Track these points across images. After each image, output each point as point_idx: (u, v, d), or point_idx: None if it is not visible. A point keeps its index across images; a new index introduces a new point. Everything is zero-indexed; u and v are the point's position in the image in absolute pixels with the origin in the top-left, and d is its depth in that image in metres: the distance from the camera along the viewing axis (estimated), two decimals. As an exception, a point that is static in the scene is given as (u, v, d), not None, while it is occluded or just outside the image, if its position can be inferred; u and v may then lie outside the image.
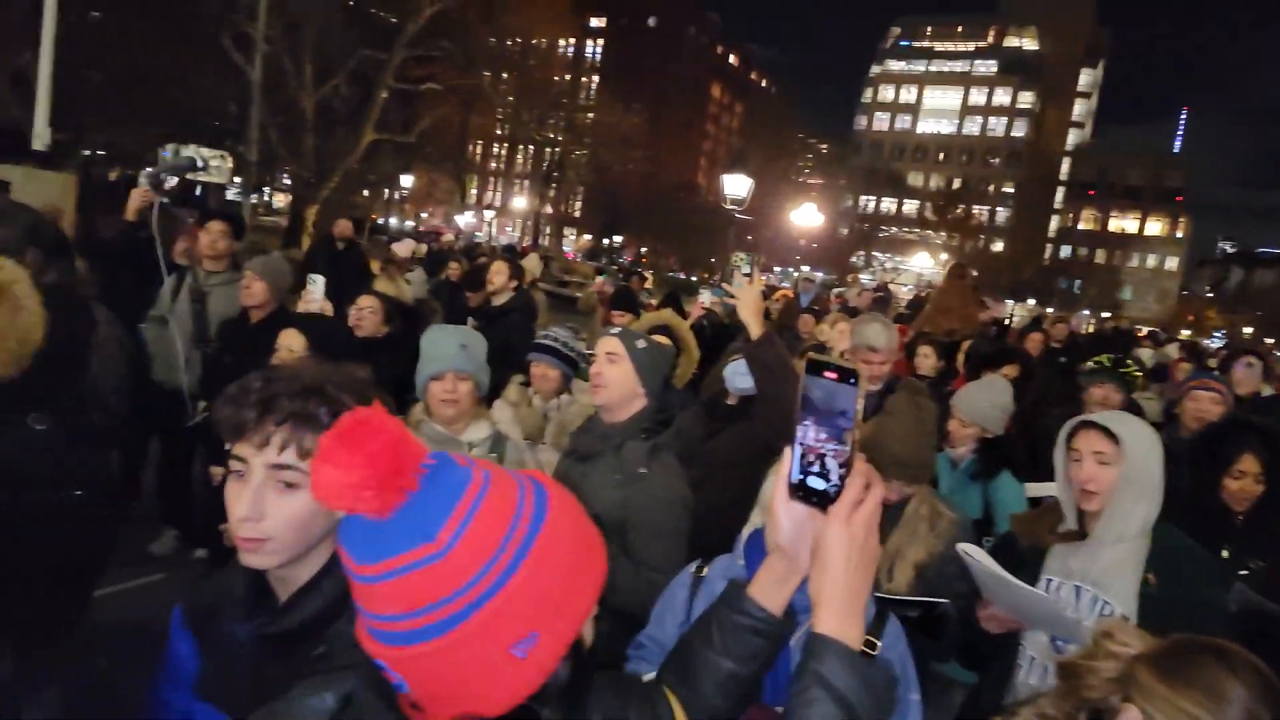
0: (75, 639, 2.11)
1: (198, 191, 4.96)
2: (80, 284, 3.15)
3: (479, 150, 63.62)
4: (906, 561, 2.60)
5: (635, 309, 6.11)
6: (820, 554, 0.95)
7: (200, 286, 4.37)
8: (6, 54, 19.76)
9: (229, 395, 1.23)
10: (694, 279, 43.07)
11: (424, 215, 59.47)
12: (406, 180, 33.06)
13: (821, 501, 0.95)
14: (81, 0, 16.58)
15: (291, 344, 2.73)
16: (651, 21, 73.81)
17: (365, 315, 4.07)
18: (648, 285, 12.69)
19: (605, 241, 58.84)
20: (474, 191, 65.77)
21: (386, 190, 42.30)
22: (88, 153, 23.69)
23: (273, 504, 1.19)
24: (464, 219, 53.18)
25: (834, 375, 0.93)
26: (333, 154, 24.04)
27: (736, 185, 14.91)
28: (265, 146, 17.64)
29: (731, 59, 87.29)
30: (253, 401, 1.20)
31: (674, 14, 74.49)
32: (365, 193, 36.94)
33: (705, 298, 7.07)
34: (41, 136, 13.80)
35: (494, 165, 71.59)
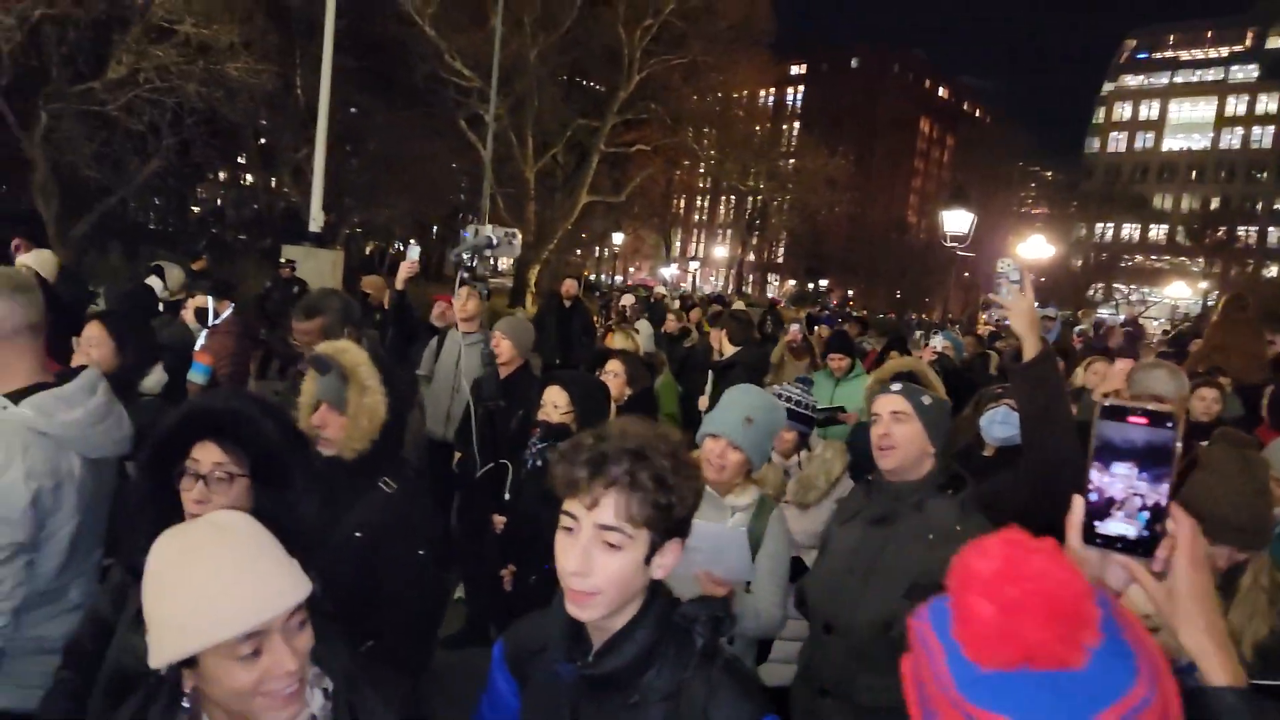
0: (421, 689, 2.24)
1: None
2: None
3: (682, 204, 65.48)
4: (1245, 643, 2.18)
5: (852, 353, 5.86)
6: (1185, 603, 0.90)
7: (460, 346, 4.73)
8: (289, 151, 23.21)
9: (563, 452, 1.30)
10: (912, 319, 41.16)
11: (631, 270, 61.96)
12: (617, 238, 34.59)
13: (1131, 548, 0.91)
14: (344, 97, 19.08)
15: (556, 400, 2.83)
16: (854, 63, 72.93)
17: (610, 380, 4.17)
18: (853, 329, 12.19)
19: (810, 286, 58.01)
20: (678, 244, 67.64)
21: (597, 248, 44.55)
22: (347, 230, 26.94)
23: (600, 561, 1.25)
24: (669, 271, 54.68)
25: (1143, 420, 0.89)
26: (551, 218, 25.71)
27: (957, 221, 14.09)
28: (494, 215, 19.21)
29: (941, 92, 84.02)
30: (583, 460, 1.25)
31: (877, 54, 73.20)
32: (578, 252, 39.11)
33: (937, 342, 6.63)
34: (316, 219, 15.92)
35: (697, 217, 73.31)
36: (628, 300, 9.49)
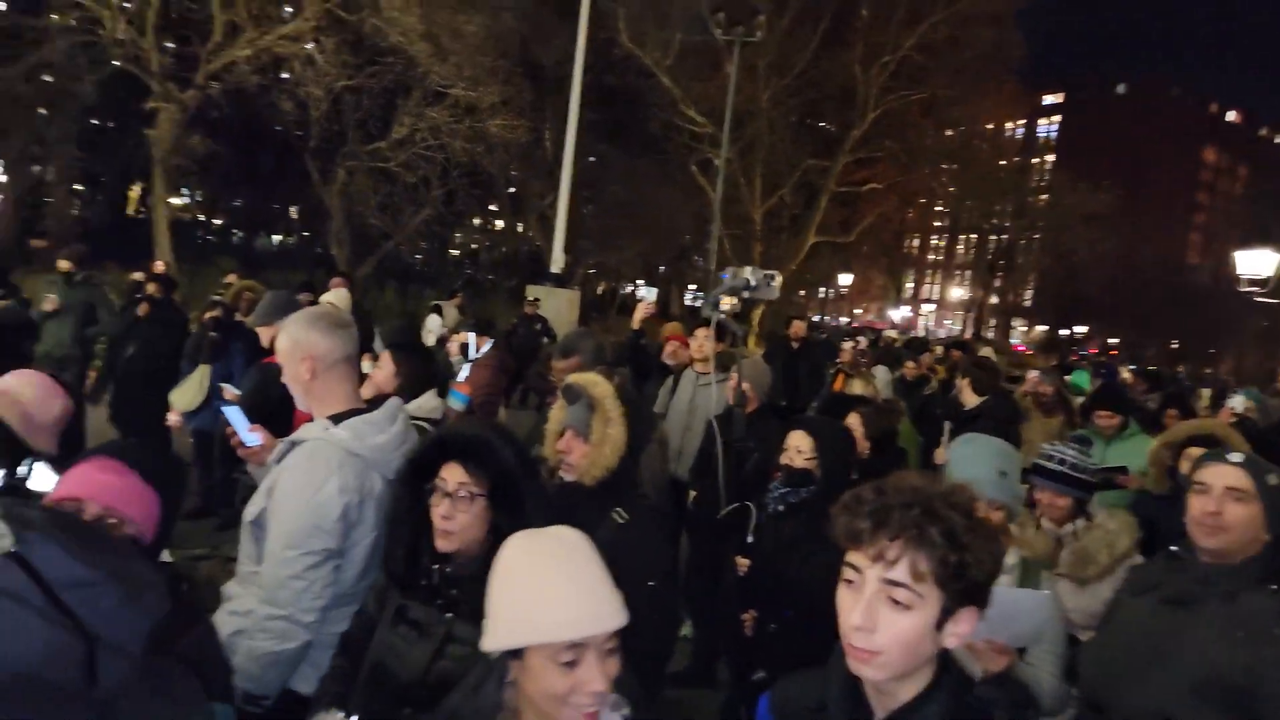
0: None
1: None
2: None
3: (915, 243, 62.71)
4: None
5: (1125, 409, 5.20)
6: None
7: (694, 386, 4.81)
8: (536, 198, 25.18)
9: (845, 503, 1.25)
10: (1181, 373, 36.25)
11: (857, 311, 60.16)
12: (844, 278, 33.79)
13: None
14: (585, 147, 20.42)
15: (800, 445, 2.78)
16: (1121, 89, 66.42)
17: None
18: (1135, 383, 10.79)
19: (1062, 332, 52.99)
20: (909, 285, 64.74)
21: (822, 289, 43.75)
22: (582, 271, 28.59)
23: (885, 619, 1.18)
24: (899, 313, 52.42)
25: None
26: (777, 258, 25.65)
27: (1255, 262, 12.23)
28: (720, 256, 19.55)
29: (1230, 116, 74.11)
30: (866, 512, 1.20)
31: (1150, 78, 66.17)
32: (801, 292, 38.65)
33: (1237, 402, 5.73)
34: (557, 261, 17.04)
35: (931, 257, 69.84)
36: (849, 345, 9.17)
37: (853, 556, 1.22)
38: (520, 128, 19.16)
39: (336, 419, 2.21)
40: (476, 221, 33.34)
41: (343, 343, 2.29)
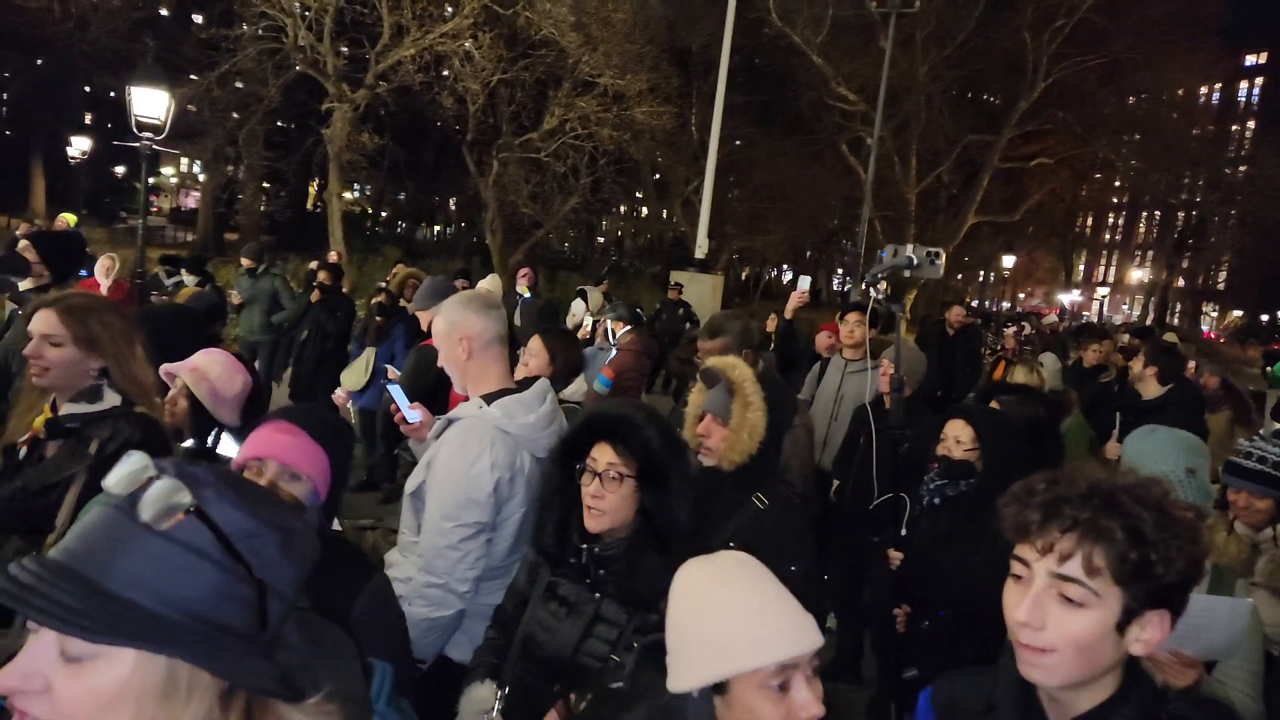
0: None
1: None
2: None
3: (1089, 222, 57.97)
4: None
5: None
6: None
7: (842, 373, 4.65)
8: (681, 184, 25.22)
9: (1014, 494, 1.16)
10: None
11: (1021, 295, 56.38)
12: (1007, 260, 31.76)
13: None
14: (731, 130, 20.24)
15: (959, 435, 2.62)
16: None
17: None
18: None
19: (1265, 318, 47.47)
20: (1081, 267, 59.99)
21: (981, 272, 41.32)
22: (726, 256, 28.40)
23: (1054, 616, 1.09)
24: (1069, 297, 48.70)
25: None
26: (933, 240, 24.43)
27: None
28: (870, 238, 18.83)
29: None
30: (1037, 503, 1.11)
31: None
32: (958, 276, 36.66)
33: None
34: (702, 247, 17.00)
35: (1107, 236, 64.32)
36: (1010, 330, 8.53)
37: (1021, 550, 1.13)
38: (666, 114, 19.22)
39: (489, 398, 2.29)
40: (622, 209, 33.86)
41: (495, 324, 2.37)
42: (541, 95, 19.25)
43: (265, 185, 25.19)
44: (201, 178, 28.80)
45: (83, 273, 7.78)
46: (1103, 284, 53.74)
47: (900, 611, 2.66)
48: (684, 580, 1.31)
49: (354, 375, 6.29)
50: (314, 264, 8.57)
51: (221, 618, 0.79)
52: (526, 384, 2.41)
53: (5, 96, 31.70)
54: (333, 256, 11.06)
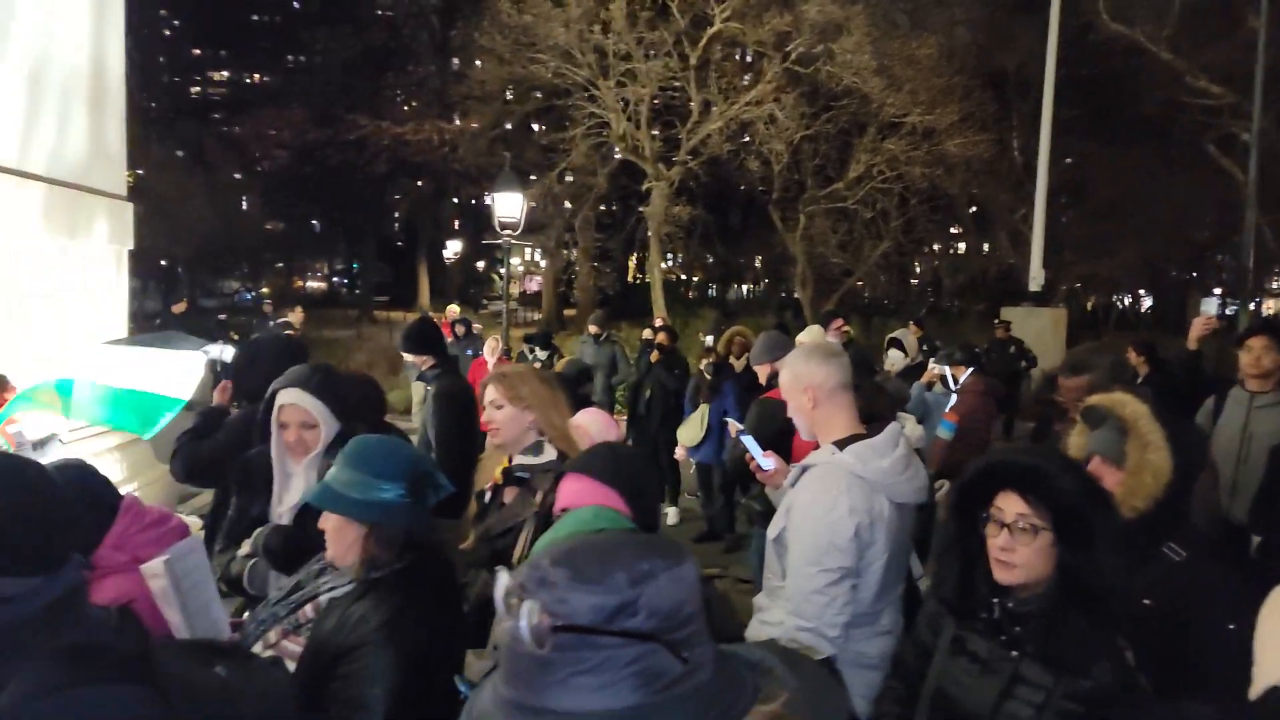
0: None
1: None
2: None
3: None
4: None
5: None
6: None
7: (1247, 408, 3.94)
8: (1005, 213, 23.38)
9: None
10: None
11: None
12: None
13: None
14: (1060, 148, 18.40)
15: None
16: None
17: None
18: None
19: None
20: None
21: None
22: (1065, 287, 25.54)
23: None
24: None
25: None
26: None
27: None
28: (1259, 247, 15.74)
29: None
30: None
31: None
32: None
33: None
34: (1036, 278, 15.51)
35: None
36: None
37: None
38: (983, 142, 18.07)
39: (841, 444, 2.30)
40: (936, 247, 32.16)
41: (837, 372, 2.39)
42: (845, 144, 19.17)
43: (595, 264, 27.92)
44: (543, 264, 32.78)
45: (469, 352, 9.19)
46: None
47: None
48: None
49: (690, 431, 6.64)
50: (648, 330, 9.29)
51: (651, 684, 0.82)
52: (876, 429, 2.39)
53: (397, 214, 39.00)
54: (658, 321, 11.90)
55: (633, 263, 36.30)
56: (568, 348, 13.48)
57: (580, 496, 1.89)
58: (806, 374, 2.38)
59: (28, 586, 1.15)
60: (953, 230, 29.18)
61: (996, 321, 13.02)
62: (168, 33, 39.63)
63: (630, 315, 23.59)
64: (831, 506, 2.17)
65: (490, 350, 8.18)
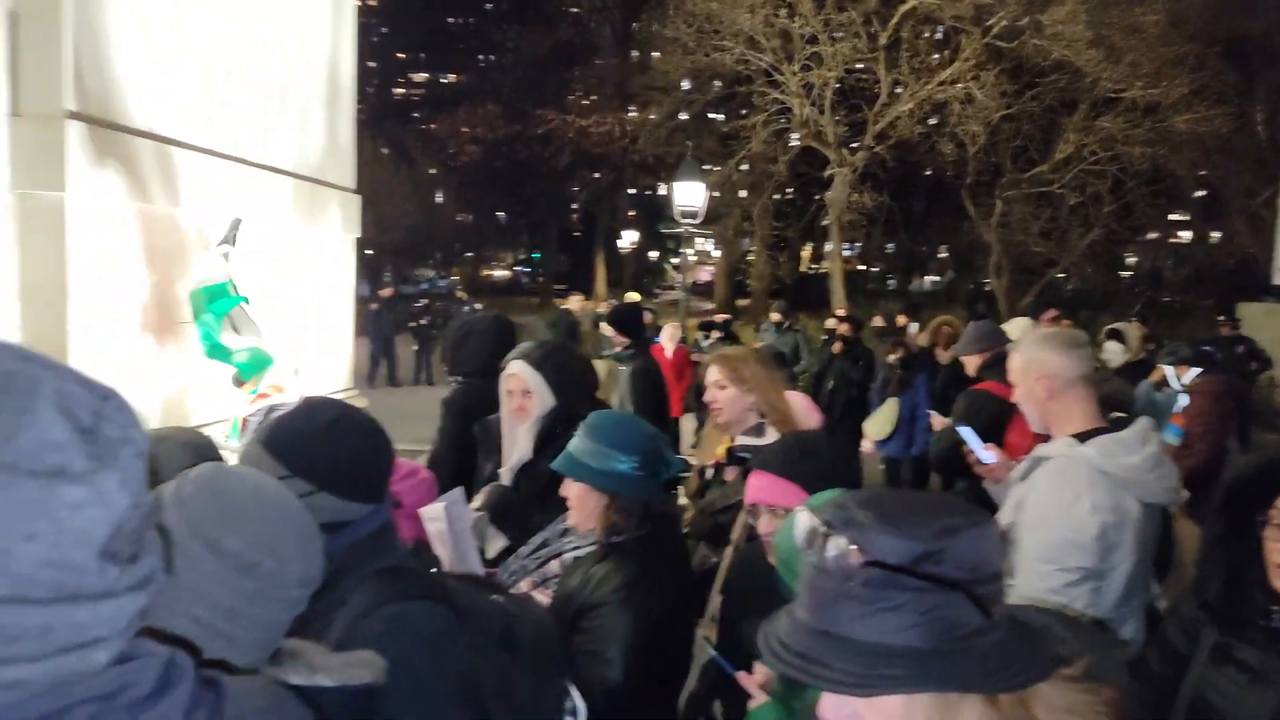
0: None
1: None
2: None
3: None
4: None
5: None
6: None
7: None
8: (1241, 198, 20.74)
9: None
10: None
11: None
12: None
13: None
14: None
15: None
16: None
17: None
18: None
19: None
20: None
21: None
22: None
23: None
24: None
25: None
26: None
27: None
28: None
29: None
30: None
31: None
32: None
33: None
34: (1281, 270, 13.70)
35: None
36: None
37: None
38: (1219, 117, 16.10)
39: (1081, 437, 2.15)
40: (1152, 236, 29.14)
41: (1077, 362, 2.25)
42: (1051, 124, 17.73)
43: (771, 253, 27.61)
44: (715, 254, 32.79)
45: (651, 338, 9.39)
46: None
47: None
48: None
49: (878, 424, 6.45)
50: (831, 319, 9.08)
51: (948, 633, 0.84)
52: (1120, 424, 2.21)
53: (575, 205, 40.37)
54: (840, 312, 11.60)
55: (806, 252, 35.56)
56: (743, 337, 13.45)
57: (763, 493, 1.91)
58: (1042, 362, 2.24)
59: (364, 513, 1.33)
60: (1174, 217, 26.31)
61: (1222, 319, 11.67)
62: (374, 39, 43.14)
63: (806, 306, 23.09)
64: (1073, 502, 2.03)
65: (668, 337, 8.30)
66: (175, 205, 4.69)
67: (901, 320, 10.26)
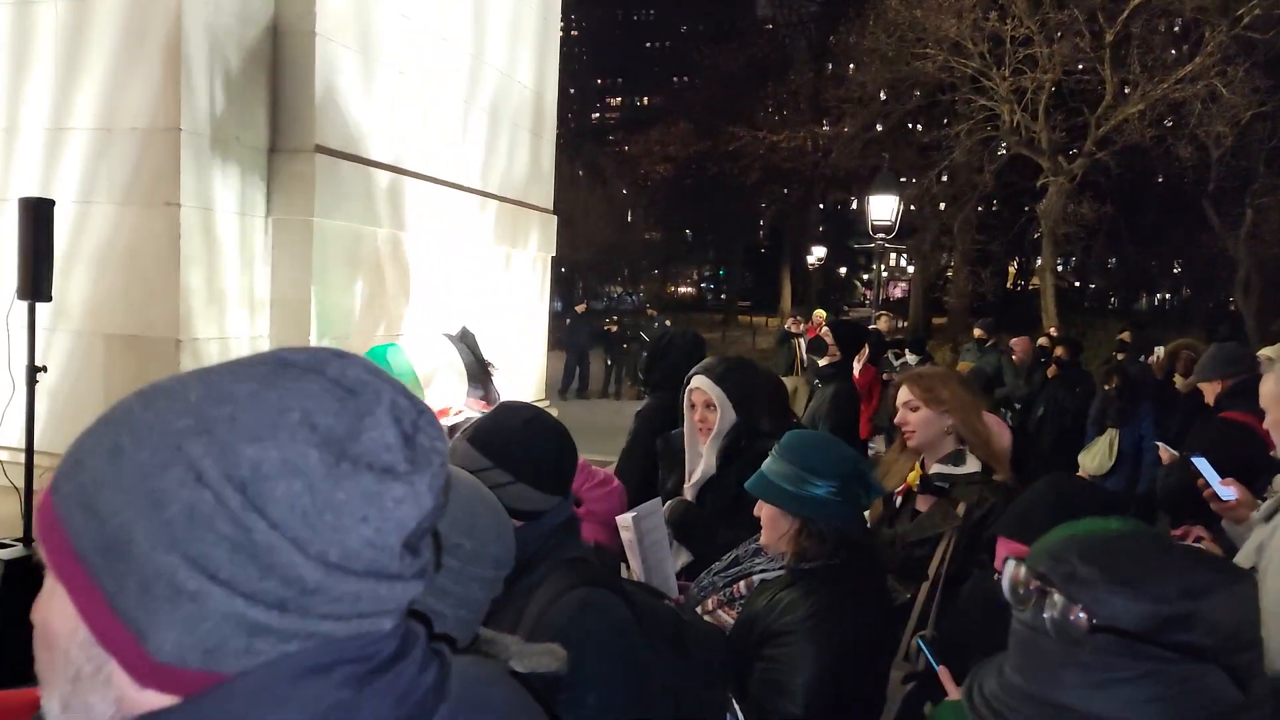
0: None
1: None
2: None
3: None
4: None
5: None
6: None
7: None
8: None
9: None
10: None
11: None
12: None
13: None
14: None
15: None
16: None
17: None
18: None
19: None
20: None
21: None
22: None
23: None
24: None
25: None
26: None
27: None
28: None
29: None
30: None
31: None
32: None
33: None
34: None
35: None
36: None
37: None
38: None
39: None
40: None
41: None
42: (1316, 121, 15.41)
43: (973, 268, 26.01)
44: (909, 269, 31.33)
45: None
46: None
47: None
48: None
49: (1095, 458, 5.87)
50: (1044, 339, 8.40)
51: (1198, 711, 0.75)
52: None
53: (762, 221, 40.08)
54: (1052, 332, 10.68)
55: (1013, 268, 33.15)
56: (939, 356, 12.71)
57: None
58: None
59: (553, 504, 1.45)
60: None
61: None
62: (575, 67, 45.31)
63: (1011, 325, 21.46)
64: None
65: (858, 355, 7.99)
66: (401, 229, 5.17)
67: (1126, 336, 9.30)
